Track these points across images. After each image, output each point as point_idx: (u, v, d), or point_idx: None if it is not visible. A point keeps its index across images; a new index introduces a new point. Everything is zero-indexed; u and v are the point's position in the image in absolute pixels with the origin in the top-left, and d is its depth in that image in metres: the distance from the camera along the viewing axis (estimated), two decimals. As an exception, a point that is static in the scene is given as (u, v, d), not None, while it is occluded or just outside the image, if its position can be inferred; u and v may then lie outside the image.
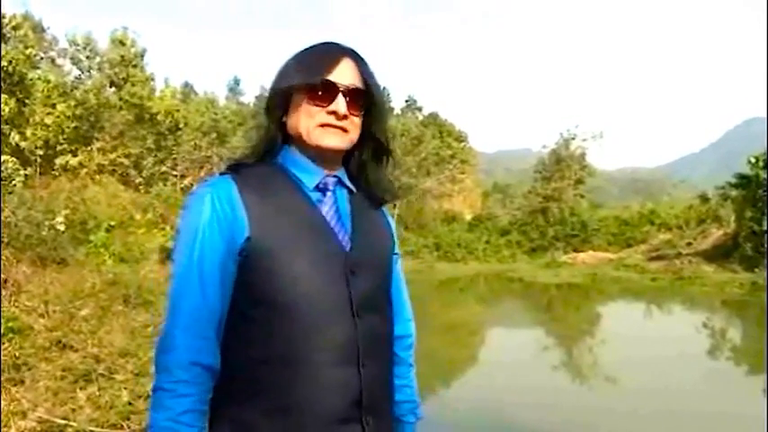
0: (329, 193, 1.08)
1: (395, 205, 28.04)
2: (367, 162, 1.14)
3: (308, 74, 1.03)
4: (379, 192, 1.16)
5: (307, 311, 0.97)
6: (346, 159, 1.13)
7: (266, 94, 1.11)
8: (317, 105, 1.03)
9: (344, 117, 1.04)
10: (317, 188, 1.07)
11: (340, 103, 1.03)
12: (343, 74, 1.05)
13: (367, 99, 1.08)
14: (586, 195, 27.16)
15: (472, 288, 16.89)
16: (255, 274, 0.98)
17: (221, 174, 1.05)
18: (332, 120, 1.04)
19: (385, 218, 1.20)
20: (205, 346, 0.96)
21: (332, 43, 1.09)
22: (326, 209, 1.07)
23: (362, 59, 1.08)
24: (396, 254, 1.19)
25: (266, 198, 1.01)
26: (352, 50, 1.08)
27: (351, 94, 1.05)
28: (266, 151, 1.08)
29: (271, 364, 0.97)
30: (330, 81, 1.03)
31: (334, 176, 1.09)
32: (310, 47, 1.09)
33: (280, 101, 1.06)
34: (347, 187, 1.12)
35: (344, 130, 1.06)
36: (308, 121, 1.04)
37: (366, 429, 1.01)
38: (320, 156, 1.07)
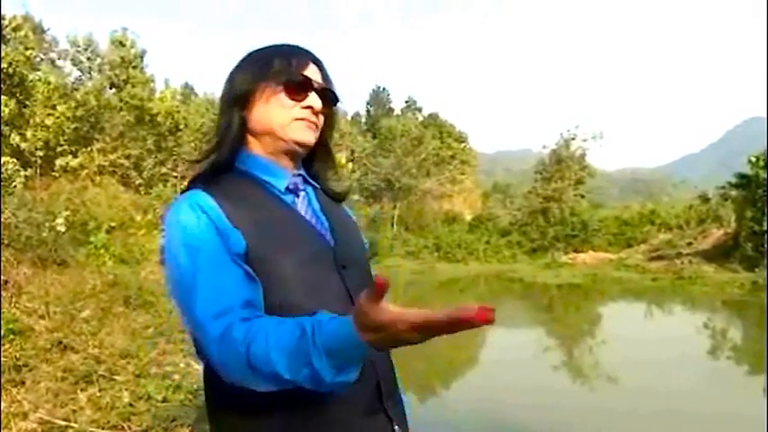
0: (302, 194, 1.08)
1: (395, 206, 28.16)
2: (318, 162, 1.16)
3: (286, 69, 1.03)
4: (334, 188, 1.18)
5: (309, 312, 0.97)
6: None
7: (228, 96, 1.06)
8: (293, 100, 1.03)
9: (317, 113, 1.06)
10: (288, 189, 1.06)
11: (315, 99, 1.05)
12: (315, 74, 1.06)
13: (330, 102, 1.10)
14: (586, 196, 27.07)
15: (473, 289, 16.87)
16: None
17: (187, 188, 1.01)
18: (307, 114, 1.04)
19: (346, 211, 1.22)
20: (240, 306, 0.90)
21: (296, 46, 1.10)
22: (303, 209, 1.07)
23: (323, 65, 1.10)
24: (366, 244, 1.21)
25: (244, 207, 0.98)
26: (314, 54, 1.09)
27: (322, 93, 1.06)
28: (230, 155, 1.04)
29: None
30: (308, 77, 1.04)
31: (299, 175, 1.10)
32: (272, 48, 1.08)
33: (243, 97, 1.03)
34: (311, 185, 1.13)
35: (316, 126, 1.07)
36: (283, 114, 1.03)
37: (390, 414, 1.03)
38: (286, 153, 1.06)
